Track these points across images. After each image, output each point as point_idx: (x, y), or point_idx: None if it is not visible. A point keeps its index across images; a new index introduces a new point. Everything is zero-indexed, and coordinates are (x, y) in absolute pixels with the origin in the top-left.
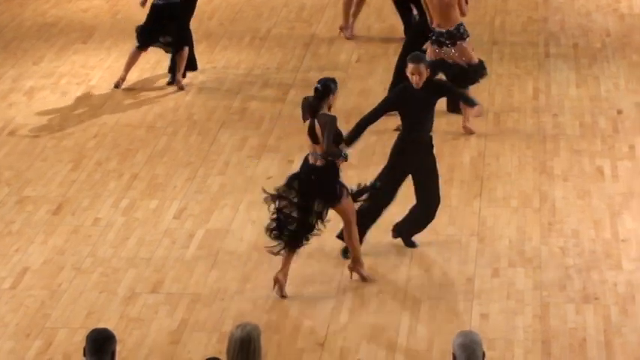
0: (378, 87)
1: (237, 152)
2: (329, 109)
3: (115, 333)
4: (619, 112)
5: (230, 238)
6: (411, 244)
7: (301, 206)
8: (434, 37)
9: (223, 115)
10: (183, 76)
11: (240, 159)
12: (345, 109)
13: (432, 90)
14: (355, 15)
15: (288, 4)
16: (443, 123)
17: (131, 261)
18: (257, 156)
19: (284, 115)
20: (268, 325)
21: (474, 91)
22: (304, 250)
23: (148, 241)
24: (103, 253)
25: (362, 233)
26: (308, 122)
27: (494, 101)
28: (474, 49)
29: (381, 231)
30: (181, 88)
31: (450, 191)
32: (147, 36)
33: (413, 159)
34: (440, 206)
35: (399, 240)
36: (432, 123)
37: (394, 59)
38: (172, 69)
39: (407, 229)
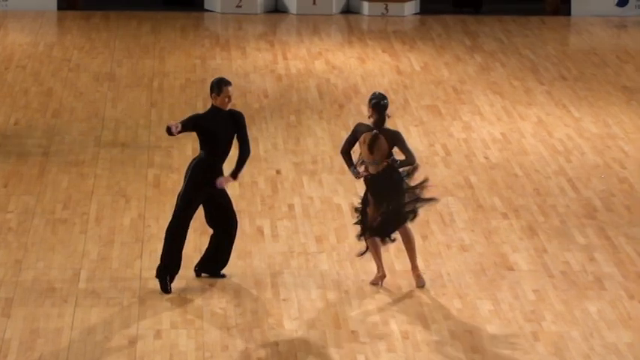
0: (36, 150)
1: None
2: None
3: None
4: (278, 172)
5: None
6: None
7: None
8: None
9: None
10: None
11: None
12: (3, 174)
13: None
14: None
15: None
16: (102, 186)
17: None
18: None
19: None
20: None
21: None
22: None
23: None
24: None
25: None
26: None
27: (154, 162)
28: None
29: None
30: None
31: (110, 253)
32: None
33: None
34: (102, 269)
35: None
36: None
37: (52, 121)
38: None
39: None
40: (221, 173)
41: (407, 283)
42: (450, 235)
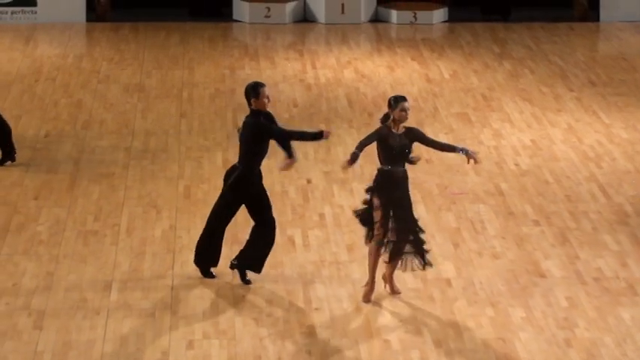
0: (67, 161)
1: None
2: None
3: None
4: (308, 181)
5: None
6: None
7: None
8: None
9: None
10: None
11: None
12: (34, 186)
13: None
14: None
15: None
16: (133, 197)
17: None
18: None
19: None
20: None
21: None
22: None
23: None
24: None
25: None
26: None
27: (184, 173)
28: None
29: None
30: None
31: (142, 264)
32: None
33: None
34: (134, 280)
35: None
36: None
37: (82, 133)
38: None
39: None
40: (260, 177)
41: (439, 291)
42: (481, 242)
